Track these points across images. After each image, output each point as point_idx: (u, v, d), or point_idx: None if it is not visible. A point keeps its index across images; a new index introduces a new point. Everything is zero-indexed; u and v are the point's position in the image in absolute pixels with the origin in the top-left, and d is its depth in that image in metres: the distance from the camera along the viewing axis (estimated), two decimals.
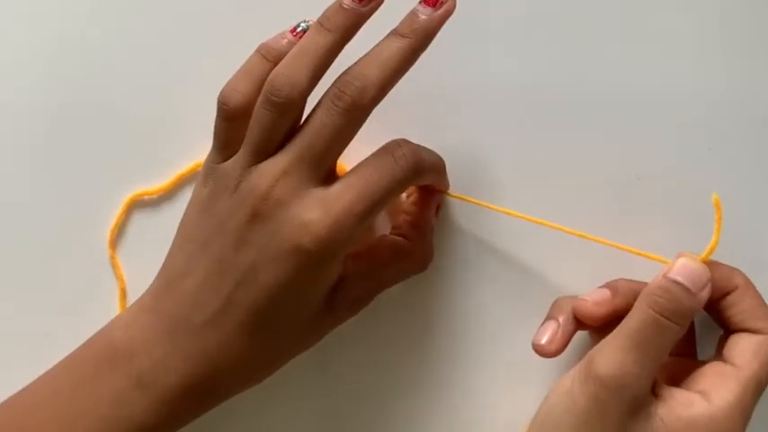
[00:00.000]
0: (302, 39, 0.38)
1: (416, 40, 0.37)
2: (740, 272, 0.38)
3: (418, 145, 0.38)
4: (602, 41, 0.44)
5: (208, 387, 0.37)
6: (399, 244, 0.41)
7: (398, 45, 0.37)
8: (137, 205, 0.44)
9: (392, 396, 0.43)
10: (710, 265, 0.37)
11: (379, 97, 0.37)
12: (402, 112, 0.42)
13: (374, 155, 0.37)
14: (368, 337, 0.43)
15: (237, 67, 0.40)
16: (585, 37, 0.44)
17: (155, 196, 0.44)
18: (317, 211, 0.36)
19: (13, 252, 0.45)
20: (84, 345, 0.39)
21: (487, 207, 0.41)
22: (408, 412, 0.43)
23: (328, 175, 0.37)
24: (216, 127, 0.39)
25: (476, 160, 0.43)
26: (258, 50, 0.39)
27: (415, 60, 0.37)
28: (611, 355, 0.35)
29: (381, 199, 0.36)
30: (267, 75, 0.38)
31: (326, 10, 0.38)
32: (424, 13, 0.37)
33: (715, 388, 0.36)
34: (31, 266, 0.44)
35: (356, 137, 0.38)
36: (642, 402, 0.35)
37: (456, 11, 0.38)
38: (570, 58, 0.43)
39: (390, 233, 0.42)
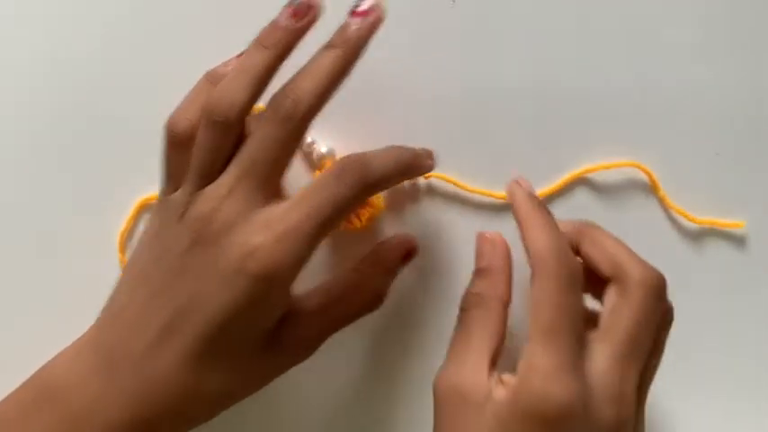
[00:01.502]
0: (240, 58, 0.38)
1: (347, 50, 0.37)
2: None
3: (372, 155, 0.37)
4: (609, 47, 0.44)
5: (145, 424, 0.36)
6: (350, 278, 0.40)
7: (330, 56, 0.37)
8: (147, 209, 0.44)
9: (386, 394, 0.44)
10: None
11: (315, 107, 0.36)
12: (406, 116, 0.44)
13: (320, 175, 0.37)
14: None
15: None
16: (592, 43, 0.44)
17: None
18: (261, 234, 0.35)
19: (25, 252, 0.45)
20: (26, 381, 0.38)
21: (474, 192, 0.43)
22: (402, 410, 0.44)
23: (275, 193, 0.37)
24: (164, 156, 0.38)
25: (481, 165, 0.44)
26: (204, 77, 0.39)
27: (349, 70, 0.37)
28: None
29: (329, 219, 0.35)
30: None
31: (263, 29, 0.38)
32: (354, 24, 0.37)
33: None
34: (40, 268, 0.45)
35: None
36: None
37: (472, 19, 0.40)
38: (577, 64, 0.44)
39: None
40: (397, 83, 0.44)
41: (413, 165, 0.39)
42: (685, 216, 0.44)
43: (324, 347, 0.39)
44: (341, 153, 0.43)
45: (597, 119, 0.44)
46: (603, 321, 0.36)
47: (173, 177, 0.38)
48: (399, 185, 0.43)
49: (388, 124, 0.43)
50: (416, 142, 0.40)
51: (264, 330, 0.37)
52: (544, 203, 0.38)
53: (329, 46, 0.37)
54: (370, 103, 0.44)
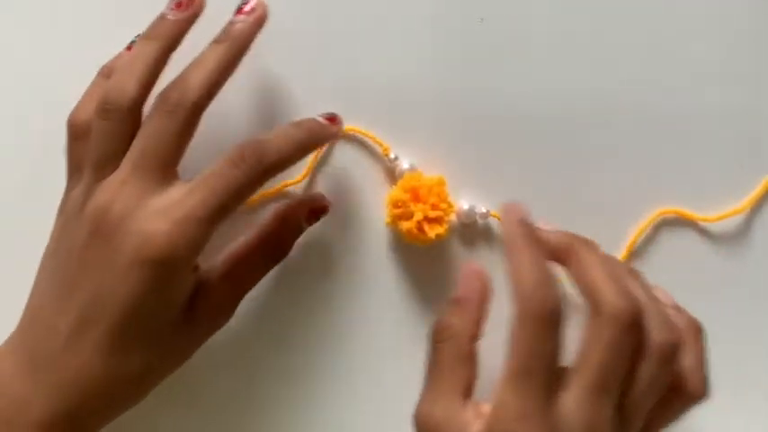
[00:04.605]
0: (130, 51, 0.40)
1: (233, 45, 0.38)
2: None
3: (268, 138, 0.38)
4: (636, 63, 0.44)
5: (73, 416, 0.36)
6: (253, 236, 0.41)
7: (217, 50, 0.38)
8: None
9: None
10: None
11: (202, 99, 0.37)
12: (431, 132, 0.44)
13: (217, 160, 0.37)
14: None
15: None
16: (620, 59, 0.44)
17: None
18: (157, 220, 0.36)
19: None
20: None
21: None
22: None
23: (170, 181, 0.37)
24: (66, 151, 0.39)
25: (499, 183, 0.44)
26: (100, 72, 0.41)
27: (236, 64, 0.38)
28: None
29: (225, 204, 0.36)
30: None
31: (151, 23, 0.39)
32: (239, 21, 0.39)
33: None
34: None
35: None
36: None
37: (489, 36, 0.42)
38: (606, 80, 0.44)
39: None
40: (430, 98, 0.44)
41: (310, 142, 0.40)
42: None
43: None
44: (422, 168, 0.44)
45: (627, 134, 0.45)
46: (577, 355, 0.35)
47: (76, 171, 0.39)
48: (472, 222, 0.44)
49: (440, 139, 0.44)
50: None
51: (176, 308, 0.37)
52: (535, 232, 0.37)
53: (216, 41, 0.39)
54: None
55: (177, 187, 0.37)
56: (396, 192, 0.43)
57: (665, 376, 0.36)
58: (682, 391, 0.37)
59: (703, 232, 0.45)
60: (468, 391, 0.37)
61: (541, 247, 0.36)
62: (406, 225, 0.42)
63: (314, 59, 0.41)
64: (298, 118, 0.42)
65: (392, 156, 0.44)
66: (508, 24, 0.44)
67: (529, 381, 0.34)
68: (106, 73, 0.40)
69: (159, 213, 0.36)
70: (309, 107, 0.44)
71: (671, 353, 0.36)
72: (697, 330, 0.38)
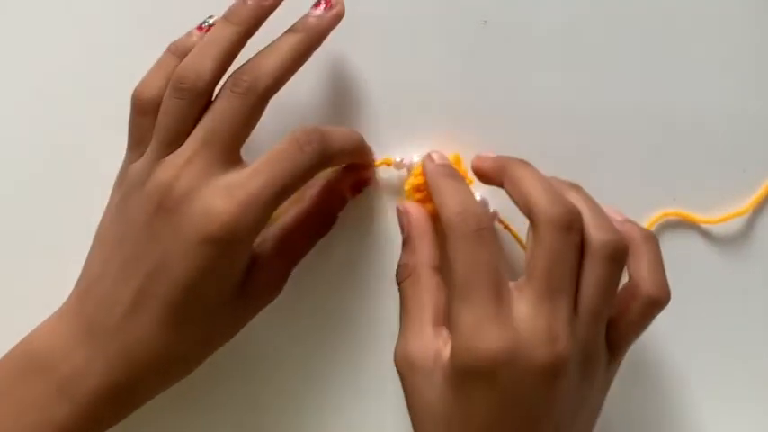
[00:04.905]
0: (208, 33, 0.39)
1: (307, 36, 0.39)
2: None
3: (330, 129, 0.39)
4: (633, 65, 0.44)
5: (129, 387, 0.37)
6: (301, 210, 0.41)
7: (291, 39, 0.39)
8: None
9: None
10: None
11: (274, 85, 0.38)
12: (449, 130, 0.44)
13: (282, 142, 0.37)
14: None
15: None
16: (622, 60, 0.44)
17: None
18: (222, 199, 0.36)
19: None
20: (6, 354, 0.39)
21: None
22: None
23: (234, 163, 0.38)
24: (130, 124, 0.39)
25: None
26: (168, 49, 0.40)
27: (308, 56, 0.39)
28: None
29: (288, 186, 0.37)
30: None
31: (231, 6, 0.39)
32: (315, 14, 0.40)
33: None
34: None
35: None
36: None
37: (492, 38, 0.43)
38: (607, 81, 0.44)
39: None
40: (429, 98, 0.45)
41: (364, 147, 0.42)
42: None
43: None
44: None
45: (629, 137, 0.45)
46: (525, 266, 0.36)
47: (138, 143, 0.39)
48: None
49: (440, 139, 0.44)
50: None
51: (232, 285, 0.38)
52: (453, 170, 0.40)
53: (292, 30, 0.39)
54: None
55: (240, 168, 0.37)
56: (413, 178, 0.42)
57: (613, 276, 0.37)
58: (638, 294, 0.38)
59: (706, 234, 0.45)
60: (438, 319, 0.38)
61: (461, 178, 0.39)
62: (429, 207, 0.41)
63: (315, 60, 0.41)
64: (297, 120, 0.43)
65: (397, 159, 0.44)
66: (511, 26, 0.44)
67: (472, 293, 0.35)
68: (174, 51, 0.40)
69: (223, 193, 0.36)
70: (310, 107, 0.44)
71: (614, 252, 0.36)
72: (649, 238, 0.39)
